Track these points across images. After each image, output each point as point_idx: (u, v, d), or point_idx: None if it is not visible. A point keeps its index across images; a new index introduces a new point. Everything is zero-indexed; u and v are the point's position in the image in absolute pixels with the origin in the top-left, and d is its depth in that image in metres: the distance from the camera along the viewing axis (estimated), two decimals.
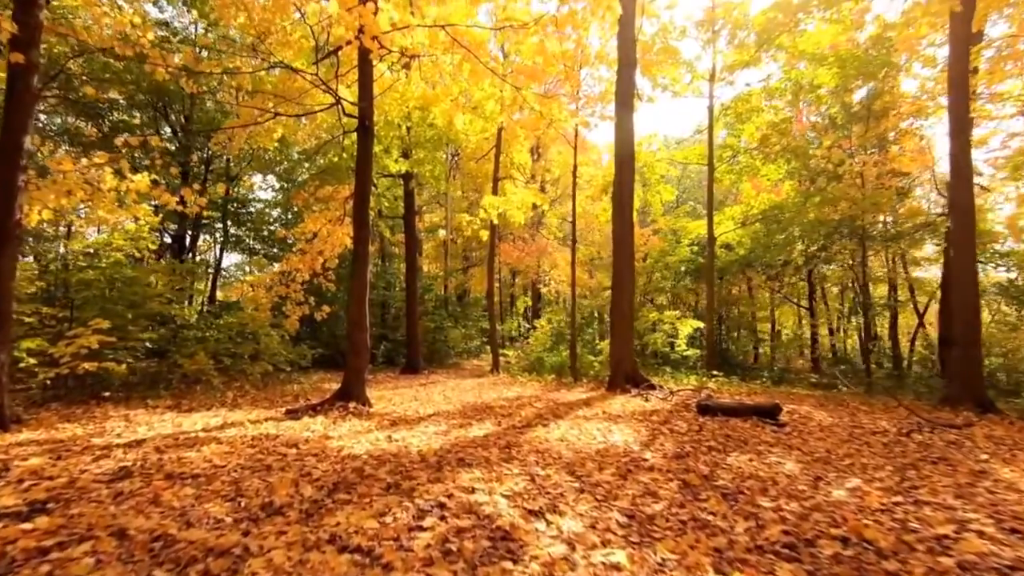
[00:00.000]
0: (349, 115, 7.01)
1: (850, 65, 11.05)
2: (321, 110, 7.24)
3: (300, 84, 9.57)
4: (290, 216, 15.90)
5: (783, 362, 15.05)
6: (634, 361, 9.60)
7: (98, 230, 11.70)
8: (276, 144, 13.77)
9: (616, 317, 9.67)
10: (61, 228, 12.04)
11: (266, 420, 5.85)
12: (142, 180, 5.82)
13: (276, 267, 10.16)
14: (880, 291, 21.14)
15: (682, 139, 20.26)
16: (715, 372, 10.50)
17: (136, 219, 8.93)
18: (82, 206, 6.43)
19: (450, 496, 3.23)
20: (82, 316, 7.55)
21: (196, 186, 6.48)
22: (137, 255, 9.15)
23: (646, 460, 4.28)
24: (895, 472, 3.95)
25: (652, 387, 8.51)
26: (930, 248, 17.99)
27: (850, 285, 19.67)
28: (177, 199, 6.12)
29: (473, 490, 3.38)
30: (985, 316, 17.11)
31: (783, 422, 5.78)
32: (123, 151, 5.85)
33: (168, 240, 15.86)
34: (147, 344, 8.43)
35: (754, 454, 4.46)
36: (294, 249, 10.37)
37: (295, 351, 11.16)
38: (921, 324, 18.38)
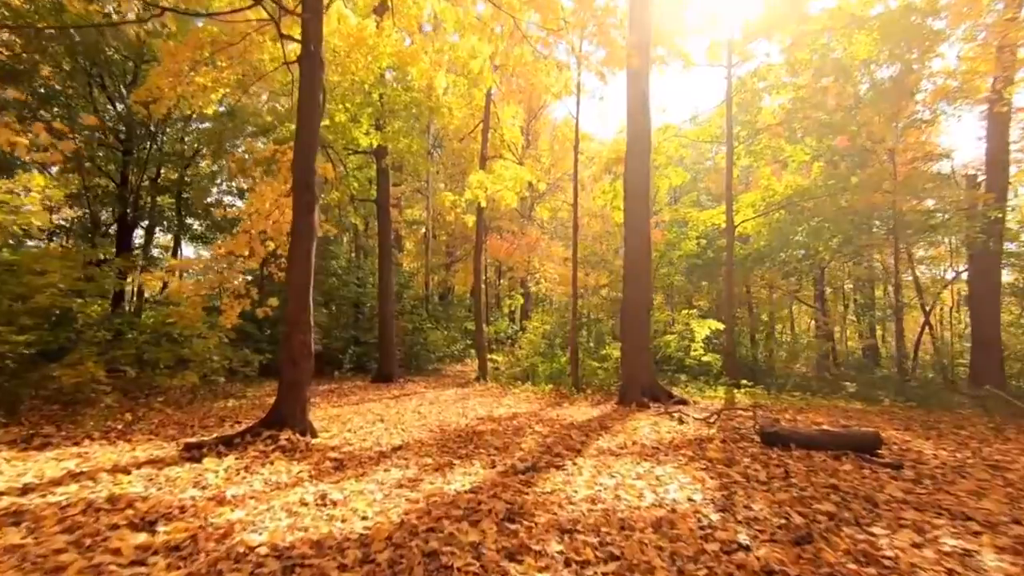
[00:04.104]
0: (287, 36, 5.11)
1: (894, 29, 9.60)
2: (241, 9, 5.31)
3: (242, 27, 7.71)
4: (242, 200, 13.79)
5: (802, 368, 13.56)
6: (652, 370, 7.91)
7: None
8: (223, 117, 11.81)
9: (630, 316, 7.95)
10: None
11: (144, 464, 3.92)
12: None
13: (210, 252, 8.14)
14: (879, 291, 20.08)
15: (682, 125, 18.78)
16: (744, 382, 8.86)
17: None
18: None
19: None
20: None
21: (56, 123, 4.49)
22: (21, 234, 7.10)
23: (747, 548, 2.54)
24: None
25: (683, 402, 6.77)
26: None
27: (848, 285, 18.53)
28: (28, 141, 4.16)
29: None
30: (1006, 317, 16.27)
31: (894, 462, 4.11)
32: None
33: (113, 230, 13.66)
34: (23, 350, 6.36)
35: (913, 531, 2.75)
36: (234, 231, 8.41)
37: (238, 356, 9.15)
38: (928, 324, 17.27)
